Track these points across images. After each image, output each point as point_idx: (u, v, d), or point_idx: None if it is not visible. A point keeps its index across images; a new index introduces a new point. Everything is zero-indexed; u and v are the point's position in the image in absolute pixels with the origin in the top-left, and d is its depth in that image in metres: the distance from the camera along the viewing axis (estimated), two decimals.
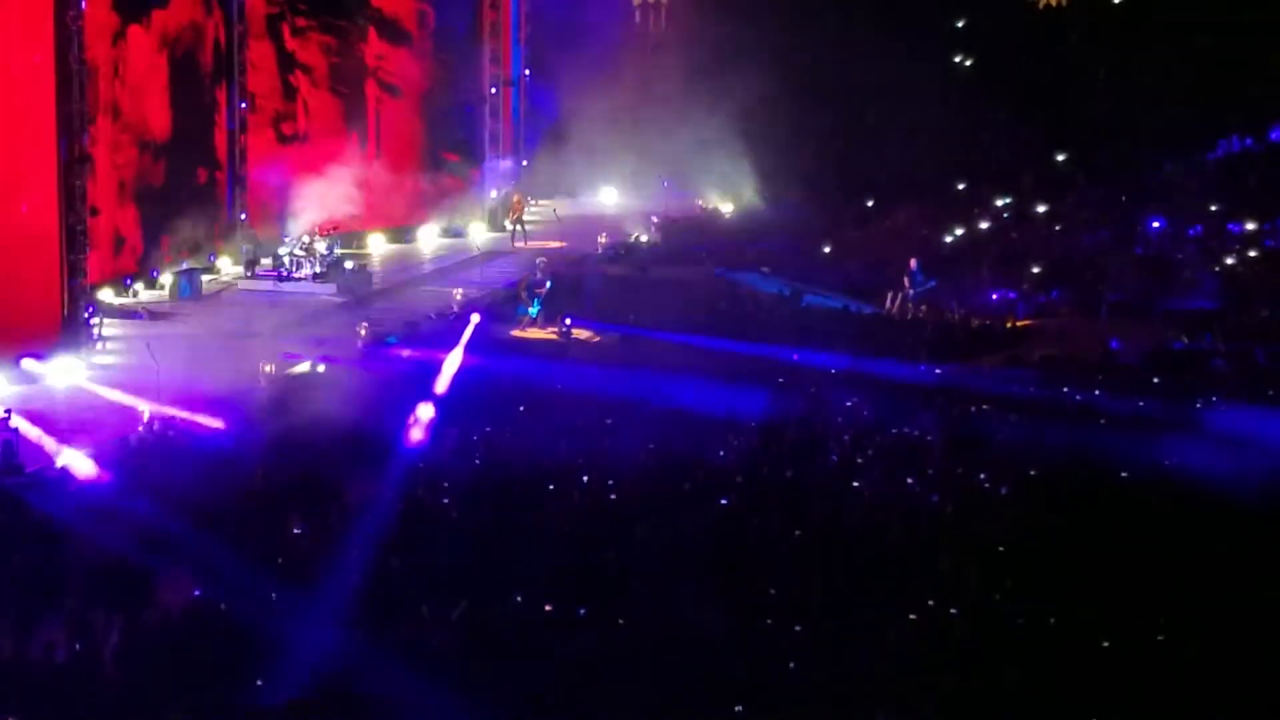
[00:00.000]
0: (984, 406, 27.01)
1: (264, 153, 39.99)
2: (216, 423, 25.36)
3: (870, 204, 45.88)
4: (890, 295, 36.20)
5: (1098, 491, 22.07)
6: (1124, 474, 22.97)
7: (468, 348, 29.61)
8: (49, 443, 24.15)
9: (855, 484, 22.57)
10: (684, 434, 24.24)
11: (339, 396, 26.22)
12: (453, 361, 28.71)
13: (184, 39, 37.60)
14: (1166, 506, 21.47)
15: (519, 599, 18.10)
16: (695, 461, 23.26)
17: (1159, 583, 18.56)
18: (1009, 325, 34.85)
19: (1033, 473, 23.04)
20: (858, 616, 17.70)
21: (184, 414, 25.61)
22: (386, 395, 26.76)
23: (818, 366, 29.88)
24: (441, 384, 27.59)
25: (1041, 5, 53.20)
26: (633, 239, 44.27)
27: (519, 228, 44.07)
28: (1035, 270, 38.11)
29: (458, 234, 44.59)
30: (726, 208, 48.63)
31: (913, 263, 36.46)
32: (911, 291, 36.01)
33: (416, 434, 24.66)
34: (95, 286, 31.95)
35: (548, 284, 34.82)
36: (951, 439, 24.70)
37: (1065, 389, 28.58)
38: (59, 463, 23.47)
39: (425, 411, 25.30)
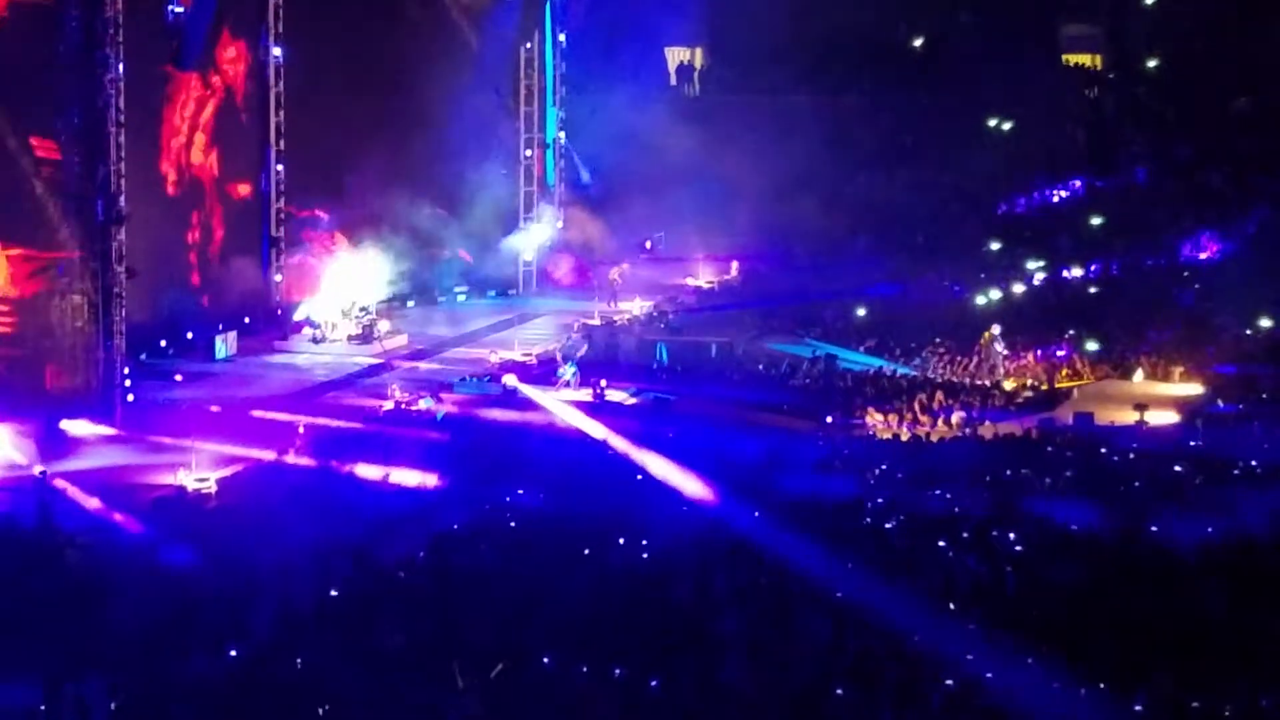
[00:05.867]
0: None
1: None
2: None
3: (905, 264, 45.76)
4: (967, 360, 36.12)
5: None
6: None
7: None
8: (87, 503, 24.23)
9: None
10: None
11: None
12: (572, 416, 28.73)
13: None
14: None
15: None
16: None
17: None
18: (1045, 387, 34.75)
19: None
20: None
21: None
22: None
23: None
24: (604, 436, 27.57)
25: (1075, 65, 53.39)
26: (667, 302, 44.20)
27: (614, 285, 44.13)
28: (1071, 332, 37.97)
29: (493, 295, 44.72)
30: (761, 268, 48.53)
31: (996, 328, 36.40)
32: (1003, 352, 35.97)
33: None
34: (132, 347, 32.04)
35: (584, 346, 34.86)
36: None
37: None
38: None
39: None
